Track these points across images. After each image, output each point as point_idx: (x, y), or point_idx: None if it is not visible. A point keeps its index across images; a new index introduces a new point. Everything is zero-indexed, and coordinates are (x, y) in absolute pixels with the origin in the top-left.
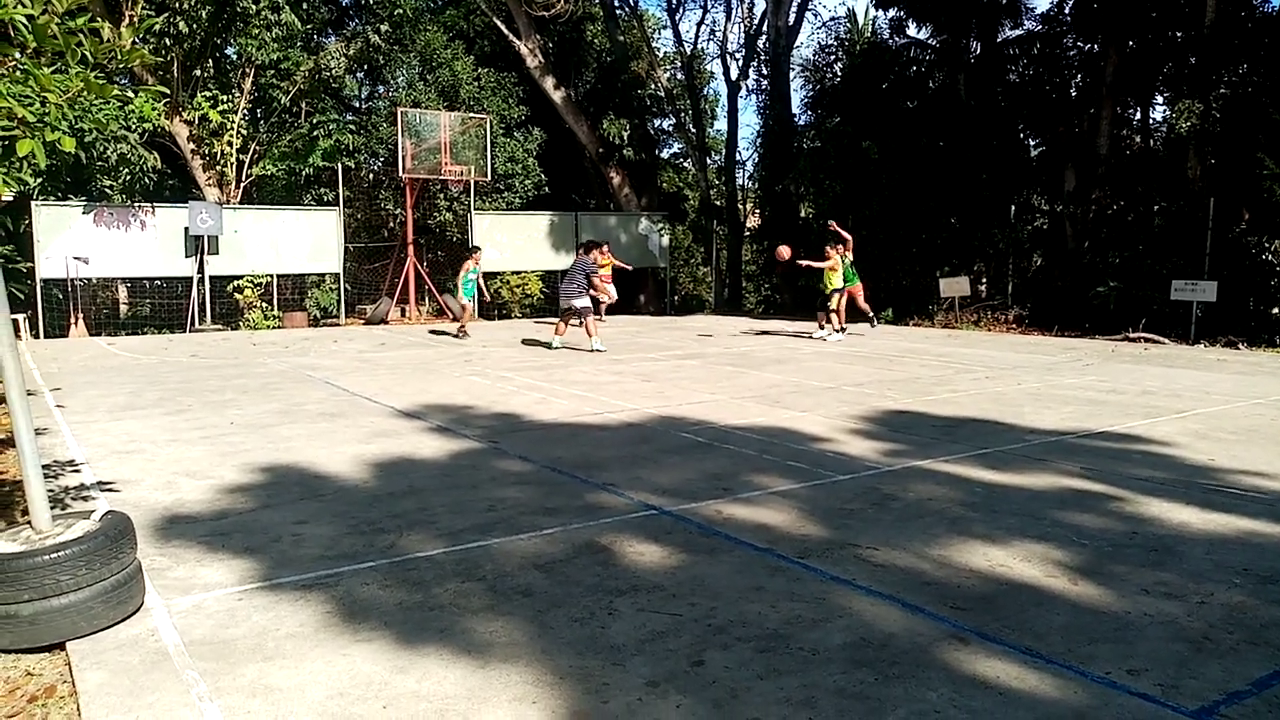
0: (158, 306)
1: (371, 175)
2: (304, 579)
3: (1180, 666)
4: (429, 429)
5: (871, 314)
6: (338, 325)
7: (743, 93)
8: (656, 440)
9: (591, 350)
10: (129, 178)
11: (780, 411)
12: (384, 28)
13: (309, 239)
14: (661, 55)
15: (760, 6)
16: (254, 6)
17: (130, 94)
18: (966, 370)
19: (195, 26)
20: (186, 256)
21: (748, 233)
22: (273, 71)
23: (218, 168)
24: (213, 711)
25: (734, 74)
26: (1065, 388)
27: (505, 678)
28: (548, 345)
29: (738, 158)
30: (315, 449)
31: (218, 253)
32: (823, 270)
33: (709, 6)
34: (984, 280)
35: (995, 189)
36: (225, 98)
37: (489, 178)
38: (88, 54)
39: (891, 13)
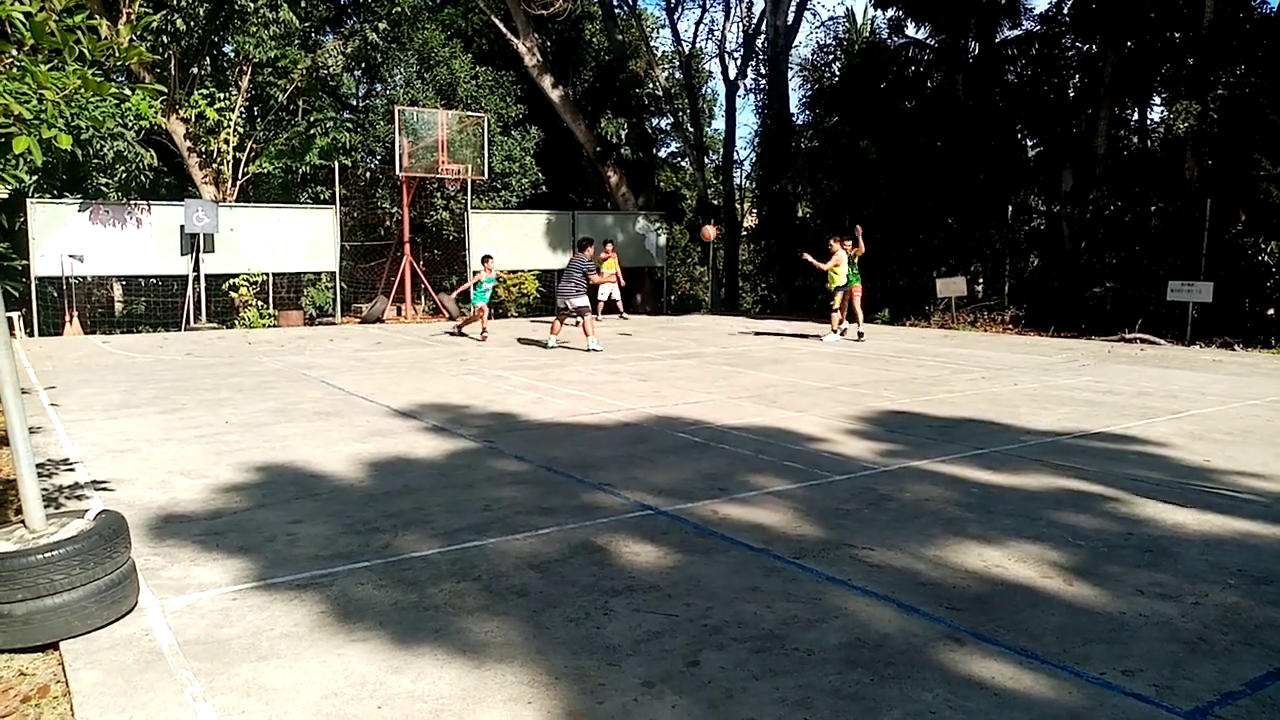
0: (153, 305)
1: (368, 174)
2: (299, 579)
3: (1175, 667)
4: (425, 428)
5: (861, 324)
6: (333, 324)
7: (741, 92)
8: (653, 440)
9: (588, 350)
10: (125, 175)
11: (776, 411)
12: (382, 26)
13: (305, 237)
14: (660, 54)
15: (759, 6)
16: (252, 4)
17: (127, 91)
18: (963, 371)
19: (193, 24)
20: (182, 254)
21: (745, 232)
22: (270, 69)
23: (214, 166)
24: (207, 711)
25: (732, 73)
26: (1061, 388)
27: (500, 678)
28: (544, 344)
29: (735, 157)
30: (311, 448)
31: (213, 251)
32: (826, 270)
33: (707, 5)
34: (981, 280)
35: (992, 189)
36: (222, 95)
37: (486, 176)
38: (85, 51)
39: (890, 12)
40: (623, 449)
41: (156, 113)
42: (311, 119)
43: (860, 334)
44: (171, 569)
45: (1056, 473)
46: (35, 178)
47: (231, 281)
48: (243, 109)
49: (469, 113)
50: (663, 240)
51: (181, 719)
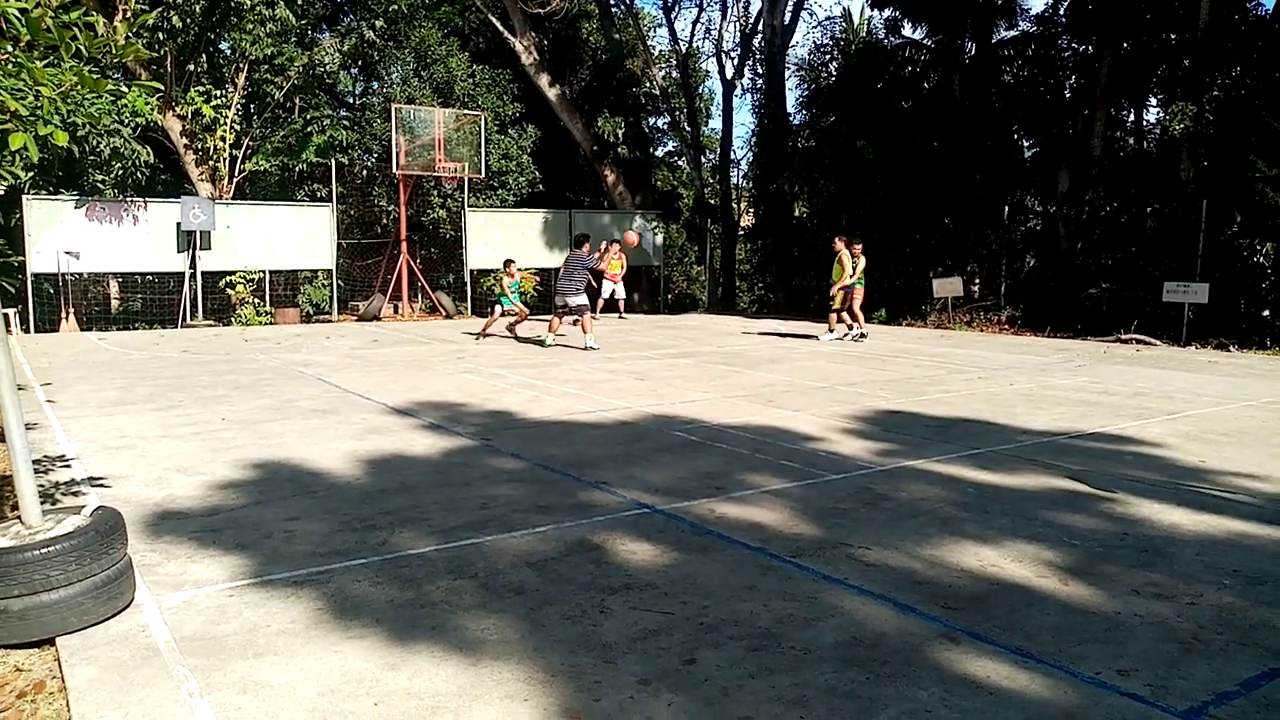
0: (149, 302)
1: (365, 171)
2: (295, 575)
3: (1170, 667)
4: (421, 426)
5: (861, 324)
6: (330, 322)
7: (738, 91)
8: (649, 438)
9: (585, 348)
10: (121, 172)
11: (773, 410)
12: (379, 23)
13: (302, 235)
14: (657, 53)
15: (756, 5)
16: (248, 1)
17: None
18: (959, 370)
19: (189, 21)
20: (179, 252)
21: (742, 232)
22: (267, 67)
23: (211, 163)
24: (203, 708)
25: (729, 73)
26: (1057, 388)
27: (497, 675)
28: (541, 342)
29: (732, 156)
30: (307, 445)
31: (210, 248)
32: (832, 269)
33: (705, 5)
34: (977, 281)
35: (989, 189)
36: (219, 93)
37: (483, 175)
38: (82, 48)
39: (887, 13)
40: (619, 447)
41: (153, 110)
42: (308, 116)
43: (862, 334)
44: (168, 565)
45: (1052, 472)
46: (31, 174)
47: (228, 279)
48: (239, 106)
49: (466, 111)
50: (659, 239)
51: (178, 715)
